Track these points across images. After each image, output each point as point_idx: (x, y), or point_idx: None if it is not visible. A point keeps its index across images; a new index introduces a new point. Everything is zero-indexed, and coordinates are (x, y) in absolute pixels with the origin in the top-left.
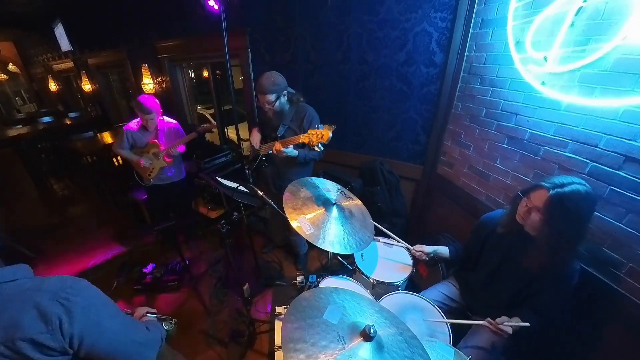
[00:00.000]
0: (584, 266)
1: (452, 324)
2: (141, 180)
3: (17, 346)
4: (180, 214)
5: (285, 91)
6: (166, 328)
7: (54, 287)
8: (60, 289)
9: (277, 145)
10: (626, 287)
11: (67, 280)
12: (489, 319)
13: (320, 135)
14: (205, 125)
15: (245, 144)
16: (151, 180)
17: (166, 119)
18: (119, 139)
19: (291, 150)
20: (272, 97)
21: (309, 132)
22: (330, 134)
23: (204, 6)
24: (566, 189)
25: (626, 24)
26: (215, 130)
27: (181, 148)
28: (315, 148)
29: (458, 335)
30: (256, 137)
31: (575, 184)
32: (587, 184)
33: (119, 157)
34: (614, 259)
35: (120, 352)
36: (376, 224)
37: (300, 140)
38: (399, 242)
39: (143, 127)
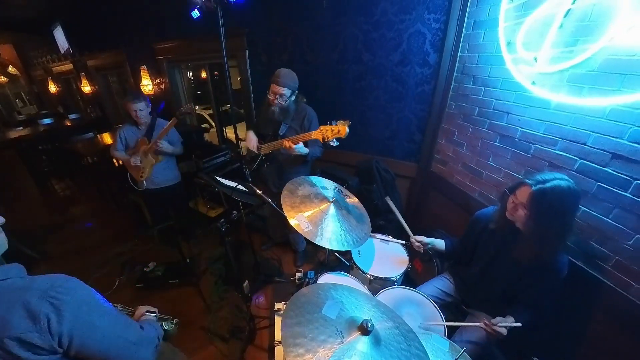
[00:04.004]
0: (573, 260)
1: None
2: (135, 184)
3: (6, 345)
4: (179, 216)
5: (296, 92)
6: (167, 328)
7: (43, 285)
8: (50, 287)
9: (288, 143)
10: (613, 280)
11: (58, 279)
12: (484, 320)
13: (336, 130)
14: (182, 109)
15: (243, 144)
16: (144, 182)
17: (159, 120)
18: (114, 141)
19: (302, 148)
20: (287, 91)
21: (321, 128)
22: (347, 129)
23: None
24: (548, 184)
25: (612, 26)
26: (213, 129)
27: (174, 142)
28: (332, 143)
29: (453, 328)
30: (253, 140)
31: (557, 179)
32: (569, 179)
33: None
34: (601, 252)
35: (112, 351)
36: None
37: (313, 137)
38: (406, 231)
39: (135, 124)
